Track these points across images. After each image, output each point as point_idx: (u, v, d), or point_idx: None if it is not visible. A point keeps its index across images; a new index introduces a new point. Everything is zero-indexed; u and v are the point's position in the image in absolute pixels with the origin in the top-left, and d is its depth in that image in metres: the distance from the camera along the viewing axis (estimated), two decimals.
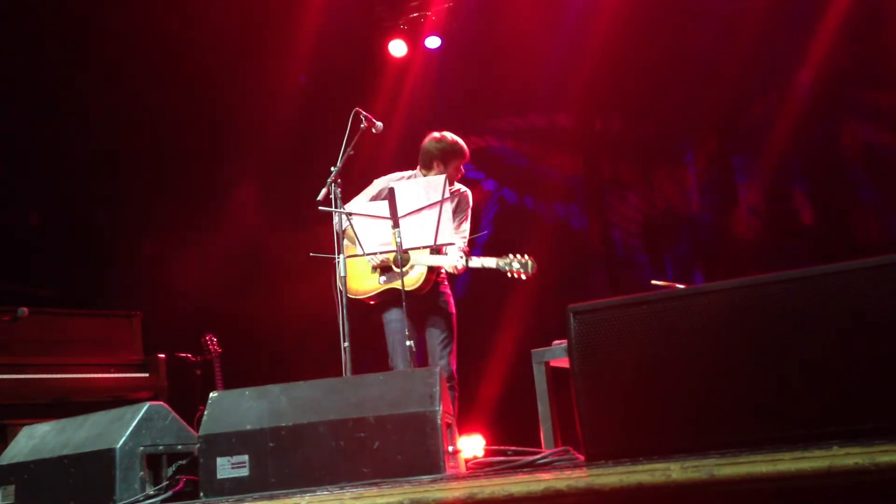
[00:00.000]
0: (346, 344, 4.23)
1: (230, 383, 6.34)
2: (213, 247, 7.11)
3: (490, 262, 4.53)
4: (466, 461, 3.63)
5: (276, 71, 7.17)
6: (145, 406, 3.44)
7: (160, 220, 7.54)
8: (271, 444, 3.17)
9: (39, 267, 6.73)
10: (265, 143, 7.24)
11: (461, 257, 4.51)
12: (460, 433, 4.02)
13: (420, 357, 4.64)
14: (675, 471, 2.16)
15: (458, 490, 2.37)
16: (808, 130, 6.22)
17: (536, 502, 2.24)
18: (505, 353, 6.60)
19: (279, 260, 6.88)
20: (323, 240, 4.94)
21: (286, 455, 3.15)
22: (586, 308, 2.96)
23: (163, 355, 5.92)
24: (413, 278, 4.59)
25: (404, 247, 4.26)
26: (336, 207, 4.38)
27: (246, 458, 3.18)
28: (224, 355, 6.66)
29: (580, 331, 2.93)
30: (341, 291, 4.62)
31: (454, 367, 4.71)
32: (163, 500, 3.27)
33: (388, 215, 4.28)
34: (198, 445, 3.27)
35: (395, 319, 4.72)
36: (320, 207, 4.50)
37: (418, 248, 4.41)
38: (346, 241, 4.74)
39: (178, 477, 3.36)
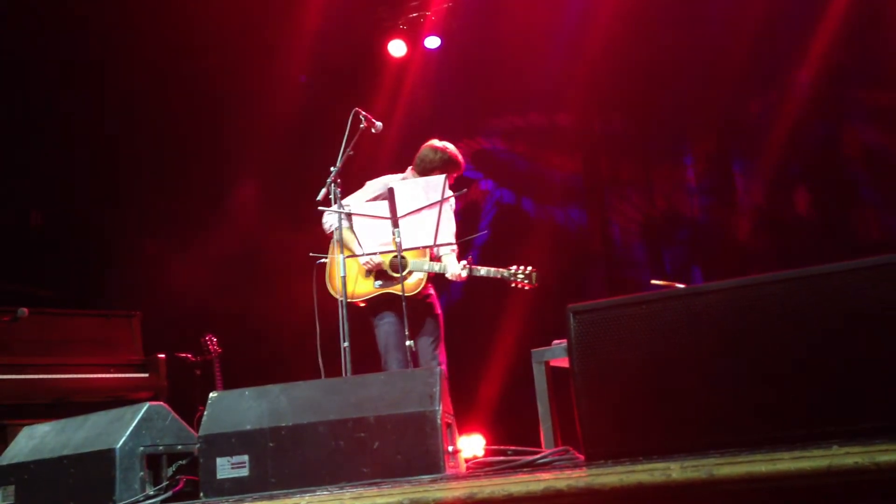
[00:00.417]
0: (346, 344, 4.24)
1: (230, 383, 6.34)
2: (212, 247, 7.11)
3: (493, 272, 4.55)
4: (466, 461, 3.63)
5: (276, 71, 7.17)
6: (145, 406, 3.44)
7: (160, 220, 7.54)
8: (271, 445, 3.17)
9: (39, 267, 6.74)
10: (265, 142, 7.24)
11: (464, 266, 4.52)
12: (460, 433, 4.02)
13: (415, 355, 4.65)
14: (674, 471, 2.16)
15: (458, 490, 2.37)
16: (807, 130, 6.22)
17: (536, 502, 2.24)
18: (505, 353, 6.60)
19: (279, 260, 6.87)
20: (323, 240, 4.95)
21: (286, 455, 3.15)
22: (586, 308, 2.96)
23: (163, 355, 5.92)
24: (412, 283, 4.61)
25: (404, 247, 4.26)
26: (336, 208, 4.39)
27: (246, 458, 3.18)
28: (224, 355, 6.67)
29: (580, 331, 2.93)
30: (333, 292, 4.66)
31: (444, 361, 4.74)
32: (163, 501, 3.27)
33: (388, 215, 4.28)
34: (198, 445, 3.27)
35: (387, 322, 4.74)
36: (320, 207, 4.50)
37: (415, 248, 4.42)
38: (332, 244, 4.76)
39: (178, 477, 3.36)
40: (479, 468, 3.52)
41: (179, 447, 3.44)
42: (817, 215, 6.28)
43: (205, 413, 3.33)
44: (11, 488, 3.51)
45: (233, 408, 3.30)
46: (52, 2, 6.49)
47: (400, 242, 4.23)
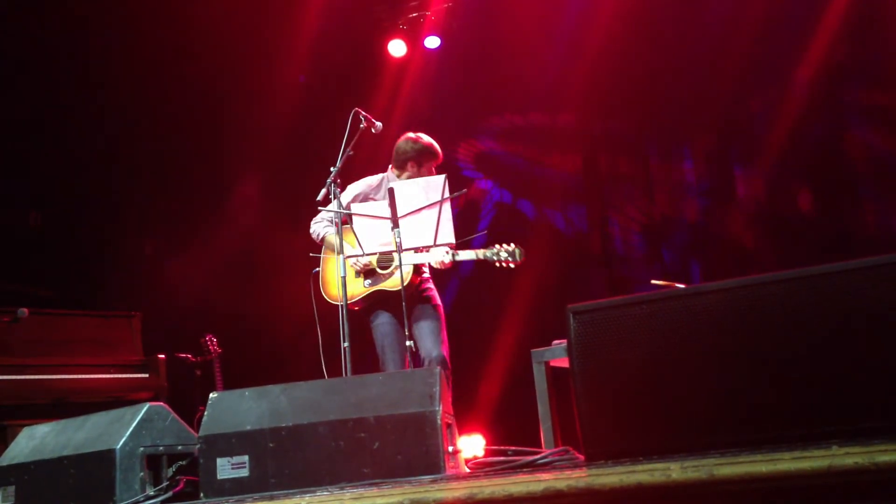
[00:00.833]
0: (346, 344, 4.24)
1: (230, 384, 6.34)
2: (212, 247, 7.11)
3: (477, 254, 4.52)
4: (466, 461, 3.63)
5: (276, 71, 7.17)
6: (145, 407, 3.44)
7: (160, 220, 7.54)
8: (271, 445, 3.17)
9: (39, 267, 6.74)
10: (265, 142, 7.24)
11: (447, 252, 4.50)
12: (460, 433, 4.02)
13: (415, 355, 4.64)
14: (674, 471, 2.16)
15: (458, 490, 2.37)
16: (807, 130, 6.22)
17: (536, 502, 2.24)
18: (505, 353, 6.60)
19: (279, 260, 6.87)
20: (323, 240, 4.94)
21: (286, 455, 3.15)
22: (586, 308, 2.96)
23: (163, 356, 5.93)
24: (397, 278, 4.58)
25: (404, 247, 4.26)
26: (333, 206, 4.39)
27: (246, 458, 3.18)
28: (224, 356, 6.67)
29: (580, 331, 2.93)
30: (328, 298, 4.66)
31: (447, 355, 4.66)
32: (163, 501, 3.27)
33: (386, 215, 4.28)
34: (198, 446, 3.27)
35: (383, 323, 4.71)
36: (320, 208, 4.51)
37: (414, 248, 4.41)
38: (324, 248, 4.76)
39: (178, 477, 3.36)
40: (479, 468, 3.52)
41: (179, 447, 3.44)
42: (817, 215, 6.28)
43: (205, 413, 3.33)
44: (12, 489, 3.51)
45: (233, 408, 3.30)
46: (52, 2, 6.49)
47: (400, 243, 4.23)
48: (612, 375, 2.88)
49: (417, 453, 3.04)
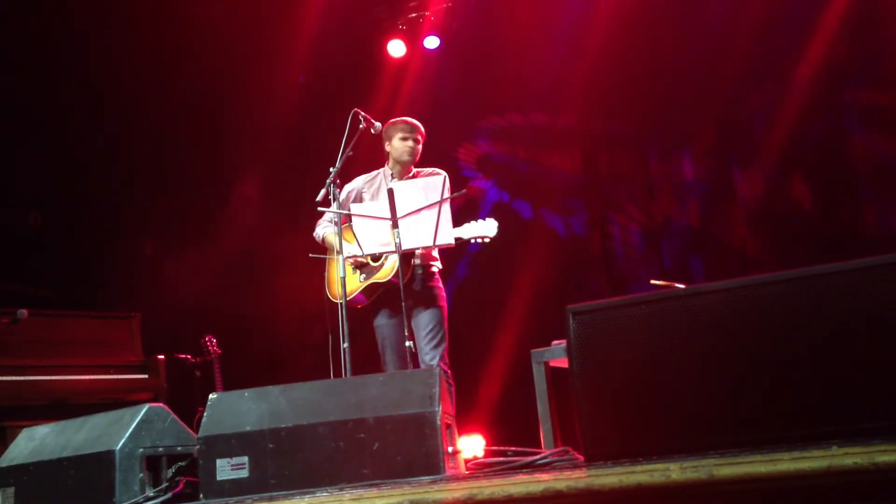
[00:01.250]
0: (346, 345, 4.24)
1: (230, 384, 6.33)
2: (212, 248, 7.11)
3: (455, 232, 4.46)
4: (466, 461, 3.63)
5: (276, 71, 7.17)
6: (145, 408, 3.44)
7: (160, 220, 7.54)
8: (271, 446, 3.17)
9: (39, 267, 6.74)
10: (264, 143, 7.24)
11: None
12: (460, 433, 4.02)
13: (415, 356, 4.63)
14: (674, 471, 2.16)
15: (457, 491, 2.37)
16: (807, 129, 6.22)
17: (536, 503, 2.24)
18: (505, 353, 6.60)
19: (279, 261, 6.88)
20: (324, 241, 4.94)
21: (286, 456, 3.14)
22: (585, 308, 2.95)
23: (162, 356, 5.92)
24: (387, 269, 4.59)
25: (403, 247, 4.27)
26: (335, 208, 4.39)
27: (246, 459, 3.17)
28: (224, 356, 6.66)
29: (579, 331, 2.93)
30: (331, 297, 4.66)
31: (446, 360, 4.66)
32: (162, 502, 3.26)
33: (386, 216, 4.28)
34: (197, 447, 3.26)
35: (383, 324, 4.74)
36: (320, 208, 4.51)
37: (414, 248, 4.41)
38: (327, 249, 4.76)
39: (177, 478, 3.36)
40: (478, 469, 3.52)
41: (179, 448, 3.44)
42: (817, 215, 6.28)
43: (204, 414, 3.33)
44: (11, 490, 3.51)
45: (232, 409, 3.30)
46: (52, 2, 6.49)
47: (399, 243, 4.23)
48: (612, 376, 2.87)
49: (417, 454, 3.04)
